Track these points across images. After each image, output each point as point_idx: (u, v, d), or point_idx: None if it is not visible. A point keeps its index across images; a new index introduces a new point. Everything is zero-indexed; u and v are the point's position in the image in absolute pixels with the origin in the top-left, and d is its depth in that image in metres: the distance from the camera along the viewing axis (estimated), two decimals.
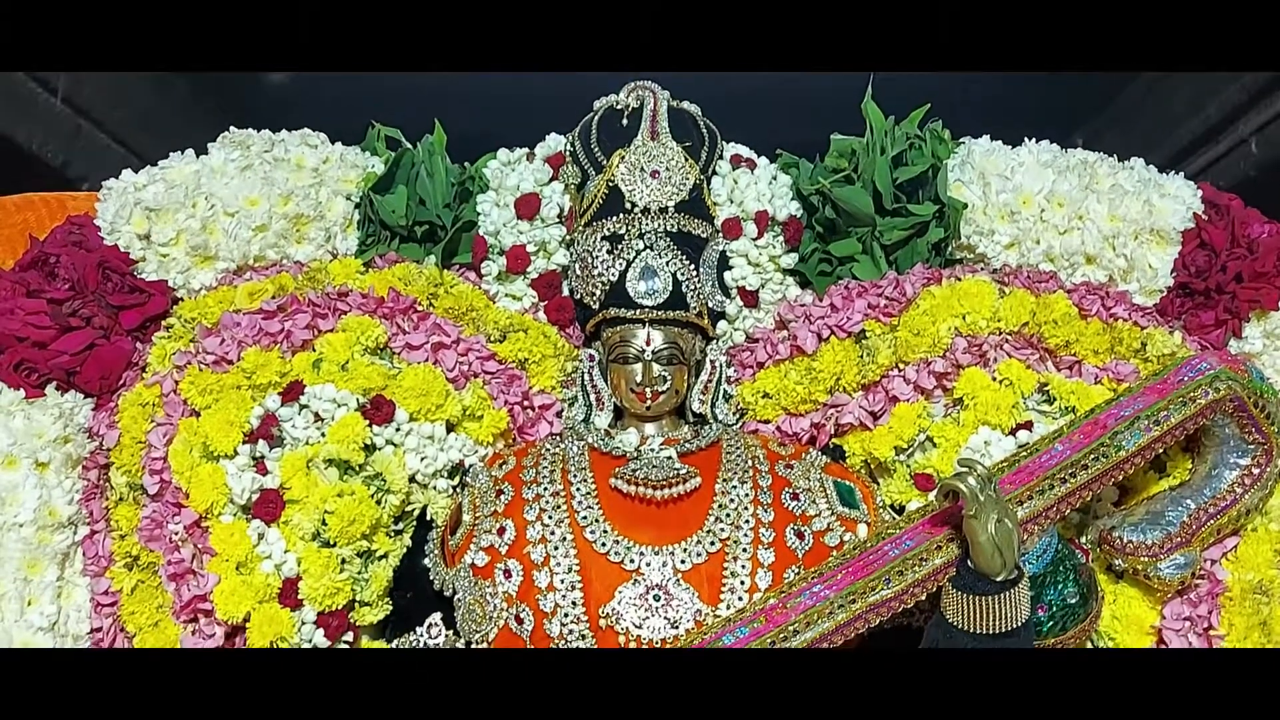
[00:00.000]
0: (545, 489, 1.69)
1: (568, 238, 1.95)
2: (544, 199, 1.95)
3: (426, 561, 1.76)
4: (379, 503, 1.72)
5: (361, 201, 1.97)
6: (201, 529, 1.71)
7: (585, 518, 1.64)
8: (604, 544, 1.62)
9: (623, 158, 1.84)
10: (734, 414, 1.88)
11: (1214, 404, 1.63)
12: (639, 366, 1.78)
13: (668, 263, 1.79)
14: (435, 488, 1.80)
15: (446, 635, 1.71)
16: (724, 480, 1.69)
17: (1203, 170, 3.40)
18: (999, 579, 1.46)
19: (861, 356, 1.83)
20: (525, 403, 1.88)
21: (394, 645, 1.74)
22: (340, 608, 1.70)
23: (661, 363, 1.78)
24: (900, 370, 1.81)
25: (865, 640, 1.56)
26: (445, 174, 1.99)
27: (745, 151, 2.01)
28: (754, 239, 1.95)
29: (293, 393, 1.75)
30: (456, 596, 1.69)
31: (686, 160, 1.85)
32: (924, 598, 1.53)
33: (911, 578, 1.52)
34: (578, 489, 1.68)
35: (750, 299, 1.97)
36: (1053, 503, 1.57)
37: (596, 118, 1.91)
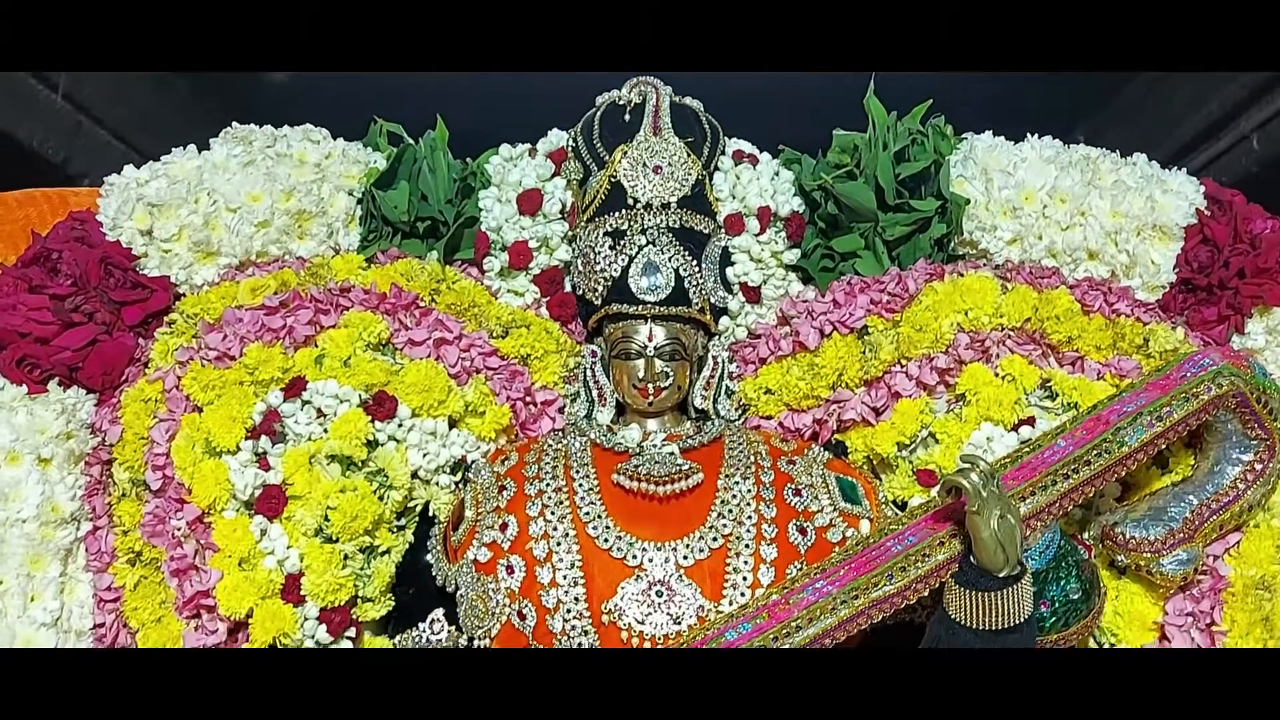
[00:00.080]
0: (548, 485, 1.69)
1: (570, 233, 1.95)
2: (546, 194, 1.94)
3: (429, 557, 1.76)
4: (381, 499, 1.72)
5: (364, 197, 1.97)
6: (204, 525, 1.71)
7: (588, 513, 1.64)
8: (606, 540, 1.62)
9: (625, 153, 1.84)
10: (736, 410, 1.88)
11: (1217, 400, 1.63)
12: (641, 362, 1.78)
13: (670, 258, 1.79)
14: (437, 483, 1.80)
15: (449, 631, 1.71)
16: (726, 476, 1.69)
17: (1204, 167, 3.40)
18: (1001, 575, 1.46)
19: (864, 352, 1.82)
20: (527, 398, 1.88)
21: (396, 641, 1.75)
22: (343, 604, 1.70)
23: (664, 358, 1.78)
24: (903, 366, 1.81)
25: (868, 636, 1.56)
26: (447, 169, 1.98)
27: (748, 147, 2.01)
28: (756, 234, 1.95)
29: (295, 388, 1.75)
30: (459, 592, 1.69)
31: (689, 156, 1.85)
32: (926, 594, 1.53)
33: (914, 574, 1.52)
34: (580, 485, 1.68)
35: (752, 295, 1.96)
36: (1055, 499, 1.58)
37: (599, 113, 1.90)
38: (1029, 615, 1.48)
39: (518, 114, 2.03)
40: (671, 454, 1.71)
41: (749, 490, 1.67)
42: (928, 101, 1.98)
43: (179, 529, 1.72)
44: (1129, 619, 1.70)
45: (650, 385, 1.77)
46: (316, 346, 1.80)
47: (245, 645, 1.69)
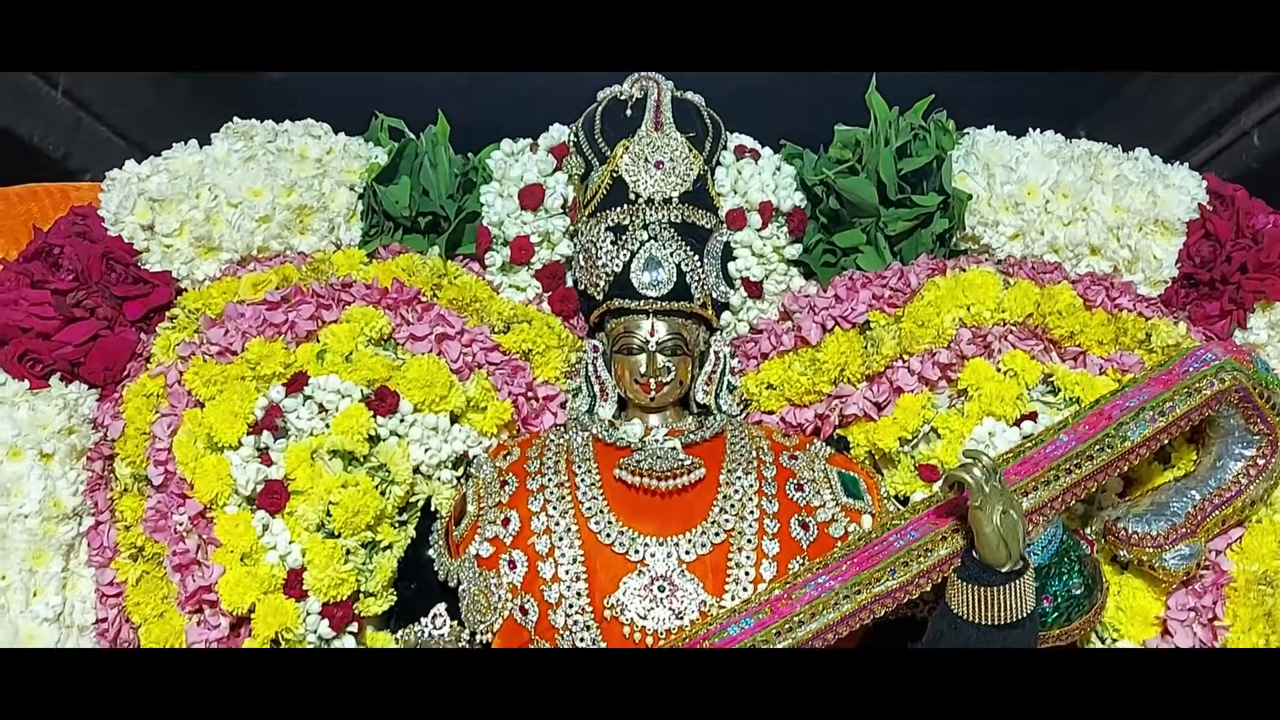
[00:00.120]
0: (550, 480, 1.69)
1: (572, 228, 1.95)
2: (548, 190, 1.94)
3: (431, 552, 1.76)
4: (383, 494, 1.72)
5: (365, 192, 1.97)
6: (206, 520, 1.71)
7: (590, 509, 1.64)
8: (608, 535, 1.62)
9: (627, 148, 1.83)
10: (738, 405, 1.88)
11: (1219, 395, 1.63)
12: (643, 357, 1.78)
13: (672, 253, 1.79)
14: (439, 479, 1.80)
15: (451, 626, 1.71)
16: (728, 471, 1.69)
17: (1205, 163, 3.40)
18: (1004, 570, 1.46)
19: (866, 347, 1.82)
20: (529, 394, 1.88)
21: (399, 636, 1.75)
22: (345, 599, 1.69)
23: (665, 354, 1.78)
24: (905, 361, 1.81)
25: (870, 631, 1.56)
26: (449, 165, 1.98)
27: (749, 142, 2.01)
28: (758, 230, 1.95)
29: (297, 384, 1.75)
30: (461, 587, 1.69)
31: (690, 151, 1.85)
32: (929, 589, 1.53)
33: (916, 569, 1.52)
34: (582, 480, 1.68)
35: (754, 290, 1.96)
36: (1058, 494, 1.58)
37: (600, 108, 1.90)
38: (1031, 610, 1.48)
39: (519, 109, 2.03)
40: (673, 449, 1.71)
41: (751, 485, 1.67)
42: (930, 97, 1.98)
43: (181, 524, 1.72)
44: (1131, 614, 1.70)
45: (652, 380, 1.77)
46: (318, 341, 1.80)
47: (247, 640, 1.68)
